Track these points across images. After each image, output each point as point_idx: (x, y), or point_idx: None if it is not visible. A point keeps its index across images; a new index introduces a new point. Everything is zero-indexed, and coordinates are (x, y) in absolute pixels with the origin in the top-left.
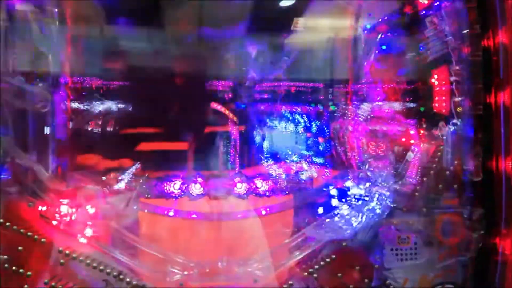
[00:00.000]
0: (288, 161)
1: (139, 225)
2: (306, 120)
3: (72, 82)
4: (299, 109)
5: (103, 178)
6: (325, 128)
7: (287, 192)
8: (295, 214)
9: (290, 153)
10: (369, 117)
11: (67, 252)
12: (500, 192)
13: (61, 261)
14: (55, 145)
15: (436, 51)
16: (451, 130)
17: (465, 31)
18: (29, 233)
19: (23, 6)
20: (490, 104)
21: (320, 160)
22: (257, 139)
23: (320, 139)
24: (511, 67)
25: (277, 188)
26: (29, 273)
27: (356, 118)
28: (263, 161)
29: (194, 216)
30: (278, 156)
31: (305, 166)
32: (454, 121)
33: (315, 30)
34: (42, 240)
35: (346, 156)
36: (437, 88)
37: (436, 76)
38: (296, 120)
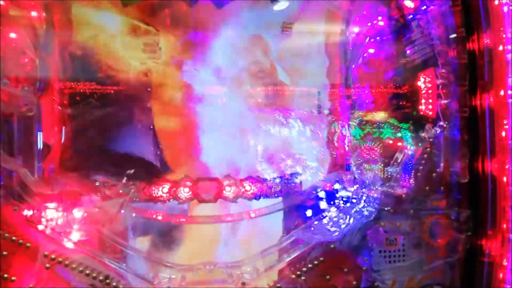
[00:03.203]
0: (280, 164)
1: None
2: (300, 124)
3: (60, 86)
4: (292, 113)
5: (97, 183)
6: (318, 132)
7: (276, 195)
8: (284, 217)
9: (282, 156)
10: (358, 120)
11: (52, 256)
12: (487, 194)
13: (47, 265)
14: (41, 149)
15: (422, 54)
16: (438, 132)
17: (451, 34)
18: (13, 238)
19: (12, 11)
20: (475, 106)
21: (310, 163)
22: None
23: (313, 143)
24: (496, 70)
25: (266, 191)
26: (13, 278)
27: (346, 121)
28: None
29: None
30: (270, 159)
31: (296, 169)
32: (441, 123)
33: (306, 34)
34: (27, 244)
35: (335, 159)
36: (424, 91)
37: (422, 79)
38: (290, 124)
